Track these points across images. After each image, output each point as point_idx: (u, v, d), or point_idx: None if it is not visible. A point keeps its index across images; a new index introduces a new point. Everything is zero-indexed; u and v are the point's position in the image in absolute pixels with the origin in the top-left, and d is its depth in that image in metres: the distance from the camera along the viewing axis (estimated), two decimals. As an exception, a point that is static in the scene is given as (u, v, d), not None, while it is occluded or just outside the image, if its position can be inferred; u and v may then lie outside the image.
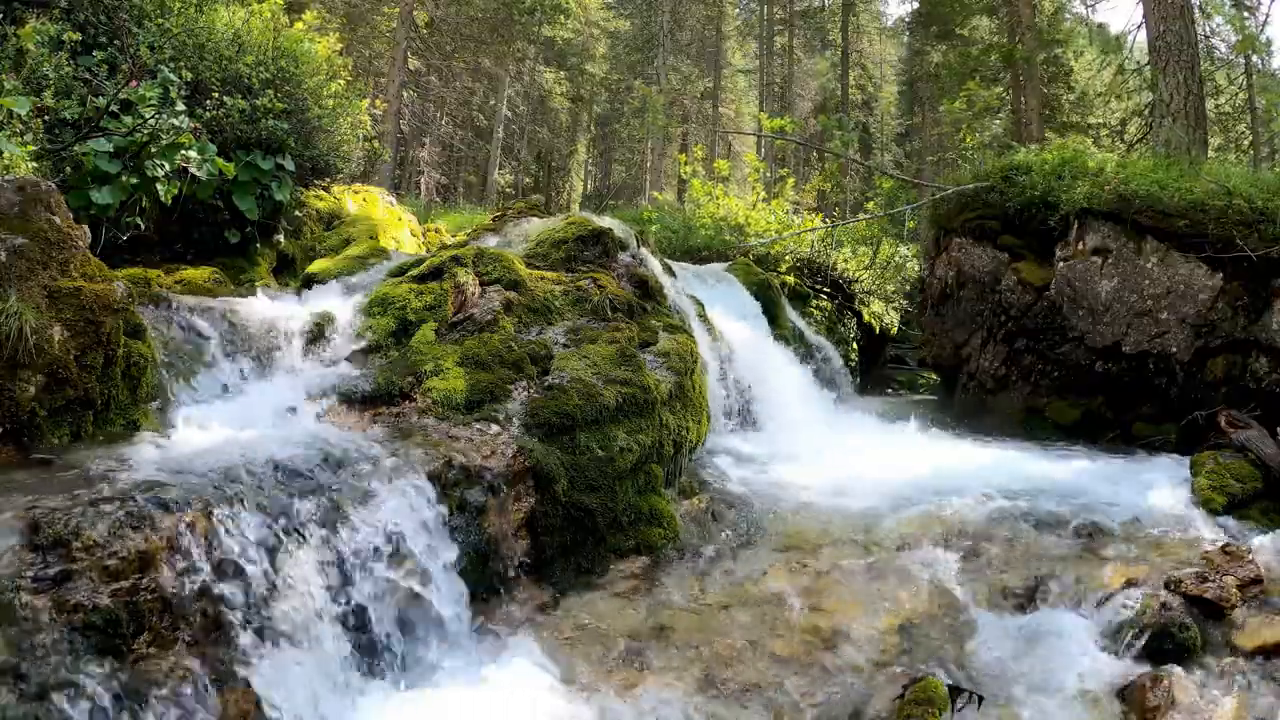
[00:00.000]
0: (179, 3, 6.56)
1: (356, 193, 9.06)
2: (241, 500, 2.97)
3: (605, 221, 6.92)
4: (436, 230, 10.67)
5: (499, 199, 26.13)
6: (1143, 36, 11.03)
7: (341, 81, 7.94)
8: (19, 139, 4.53)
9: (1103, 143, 16.79)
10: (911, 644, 3.59)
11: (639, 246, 7.05)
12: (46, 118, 5.07)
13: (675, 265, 8.13)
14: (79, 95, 5.39)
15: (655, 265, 7.07)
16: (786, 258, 11.48)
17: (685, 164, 14.29)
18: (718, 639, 3.60)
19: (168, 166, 5.33)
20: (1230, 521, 4.68)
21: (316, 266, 6.49)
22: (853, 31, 31.67)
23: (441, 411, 4.28)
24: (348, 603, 3.11)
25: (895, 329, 12.22)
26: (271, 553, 2.94)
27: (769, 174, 14.10)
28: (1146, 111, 12.89)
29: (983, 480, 5.39)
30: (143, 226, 5.51)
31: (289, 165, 6.89)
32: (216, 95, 6.38)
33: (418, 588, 3.36)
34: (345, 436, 3.92)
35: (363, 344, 4.91)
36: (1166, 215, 6.74)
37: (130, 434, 3.64)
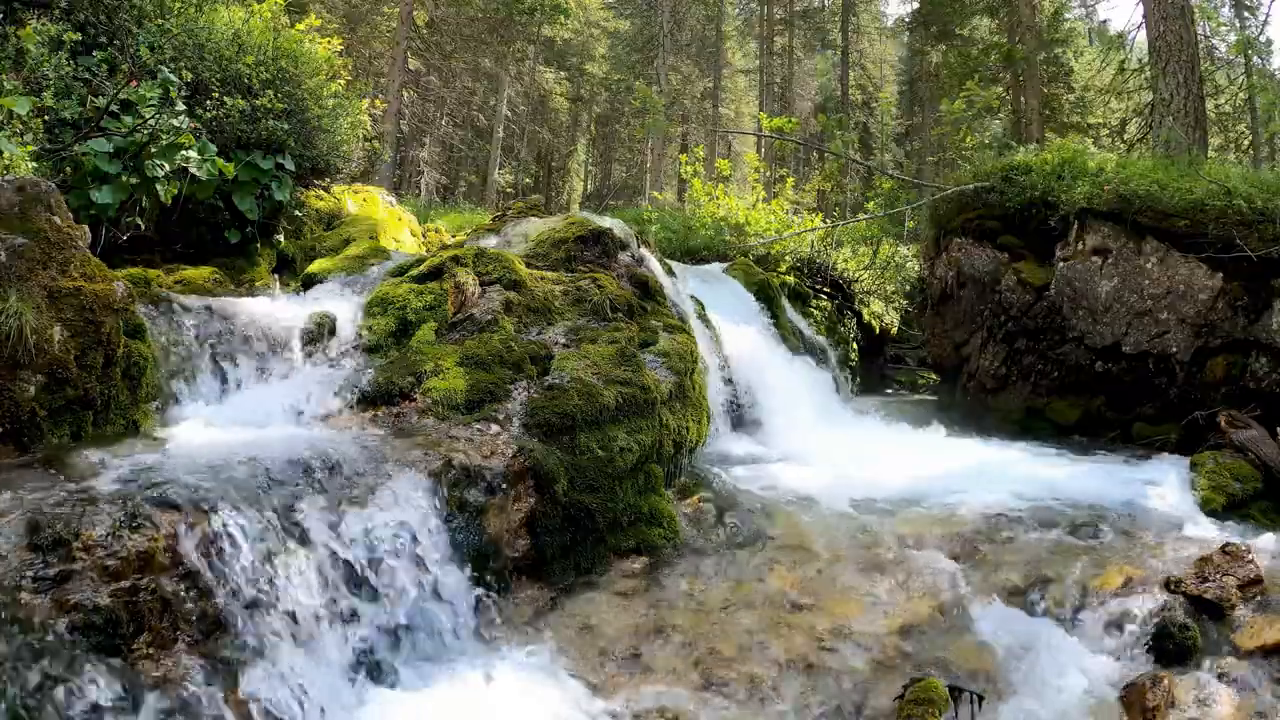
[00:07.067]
0: (179, 3, 6.56)
1: (356, 193, 9.06)
2: (241, 500, 2.97)
3: (605, 221, 6.90)
4: (436, 230, 10.67)
5: (499, 199, 26.13)
6: (1143, 36, 11.05)
7: (341, 81, 7.94)
8: (19, 139, 4.53)
9: (1103, 143, 16.78)
10: (911, 644, 3.59)
11: (639, 246, 7.04)
12: (46, 118, 5.08)
13: (675, 265, 8.11)
14: (79, 95, 5.39)
15: (655, 265, 7.07)
16: (786, 258, 11.47)
17: (686, 164, 14.29)
18: (718, 639, 3.60)
19: (168, 166, 5.33)
20: (1230, 521, 4.69)
21: (316, 266, 6.48)
22: (853, 31, 31.68)
23: (441, 411, 4.28)
24: (347, 603, 3.11)
25: (895, 329, 12.21)
26: (271, 553, 2.94)
27: (769, 174, 14.09)
28: (1146, 111, 12.88)
29: (983, 480, 5.39)
30: (143, 226, 5.51)
31: (289, 165, 6.89)
32: (216, 95, 6.38)
33: (417, 588, 3.36)
34: (345, 436, 3.92)
35: (363, 344, 4.91)
36: (1166, 215, 6.73)
37: (130, 434, 3.65)
